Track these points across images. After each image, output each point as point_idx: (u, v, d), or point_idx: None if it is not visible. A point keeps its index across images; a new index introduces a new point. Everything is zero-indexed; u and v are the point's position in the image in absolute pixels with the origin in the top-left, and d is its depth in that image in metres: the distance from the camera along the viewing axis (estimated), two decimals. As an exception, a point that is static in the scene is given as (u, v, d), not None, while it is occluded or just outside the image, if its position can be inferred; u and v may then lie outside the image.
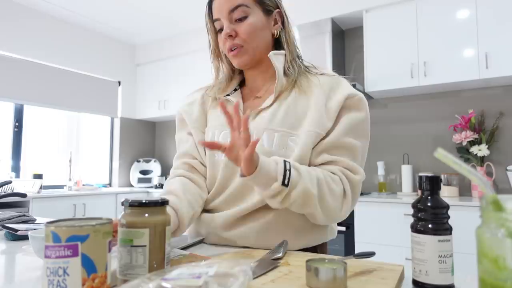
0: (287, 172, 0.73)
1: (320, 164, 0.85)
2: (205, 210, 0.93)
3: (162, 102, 4.20)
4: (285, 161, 0.75)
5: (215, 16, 0.91)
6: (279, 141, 0.84)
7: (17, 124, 3.49)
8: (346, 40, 3.32)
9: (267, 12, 0.92)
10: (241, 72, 1.02)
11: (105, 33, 4.17)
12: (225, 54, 0.96)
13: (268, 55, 0.90)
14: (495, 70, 2.40)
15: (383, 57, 2.82)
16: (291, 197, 0.74)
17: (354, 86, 2.77)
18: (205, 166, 0.95)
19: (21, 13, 3.43)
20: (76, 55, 3.88)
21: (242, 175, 0.72)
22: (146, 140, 4.63)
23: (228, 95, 0.97)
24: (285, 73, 0.92)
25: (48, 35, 3.64)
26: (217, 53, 0.98)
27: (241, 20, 0.88)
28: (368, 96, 3.05)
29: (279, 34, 0.93)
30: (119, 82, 4.36)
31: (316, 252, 0.90)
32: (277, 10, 0.94)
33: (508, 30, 2.38)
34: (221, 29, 0.91)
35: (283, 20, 0.94)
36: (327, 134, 0.85)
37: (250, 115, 0.90)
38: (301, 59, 0.98)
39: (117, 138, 4.33)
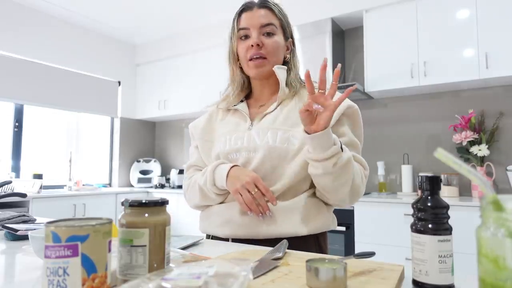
0: (340, 142, 0.88)
1: None
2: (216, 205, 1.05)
3: (162, 102, 4.20)
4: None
5: (244, 25, 1.04)
6: (282, 137, 0.97)
7: (17, 124, 3.49)
8: (346, 40, 3.32)
9: (285, 38, 1.08)
10: (248, 85, 1.15)
11: (105, 33, 4.17)
12: (239, 63, 1.09)
13: (272, 68, 1.03)
14: (495, 70, 2.40)
15: (383, 57, 2.82)
16: (343, 160, 0.86)
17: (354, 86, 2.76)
18: None
19: (21, 13, 3.43)
20: (76, 55, 3.88)
21: (310, 132, 0.84)
22: (146, 140, 4.63)
23: (235, 105, 1.11)
24: (287, 86, 1.06)
25: (48, 35, 3.64)
26: (235, 58, 1.09)
27: (269, 35, 1.03)
28: (368, 96, 3.05)
29: (288, 59, 1.09)
30: (119, 82, 4.37)
31: (319, 240, 0.99)
32: (290, 39, 1.10)
33: (508, 30, 2.38)
34: (246, 37, 1.04)
35: (291, 48, 1.10)
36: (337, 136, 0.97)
37: (256, 118, 1.06)
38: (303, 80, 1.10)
39: (117, 138, 4.33)
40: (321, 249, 0.99)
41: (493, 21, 2.43)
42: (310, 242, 0.96)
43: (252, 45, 1.01)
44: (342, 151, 0.86)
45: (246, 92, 1.15)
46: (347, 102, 1.01)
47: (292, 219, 0.94)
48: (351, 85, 2.75)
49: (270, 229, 0.94)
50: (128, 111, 4.43)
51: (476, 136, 2.57)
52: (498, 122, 2.62)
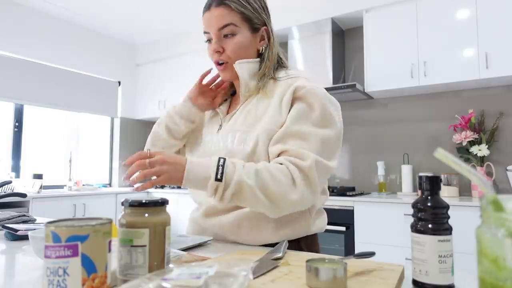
0: (220, 168, 0.77)
1: (276, 155, 0.86)
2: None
3: (162, 102, 4.20)
4: (219, 158, 0.78)
5: (205, 29, 0.97)
6: (239, 139, 0.90)
7: (17, 124, 3.49)
8: (346, 40, 3.32)
9: (254, 29, 0.97)
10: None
11: (105, 33, 4.17)
12: None
13: (233, 65, 0.95)
14: (495, 70, 2.40)
15: (383, 57, 2.82)
16: (229, 191, 0.77)
17: (354, 86, 2.77)
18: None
19: (21, 13, 3.42)
20: (76, 55, 3.88)
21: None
22: (146, 140, 4.62)
23: (220, 104, 1.06)
24: (255, 81, 0.97)
25: (48, 35, 3.64)
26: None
27: (229, 37, 0.94)
28: (368, 96, 3.05)
29: (263, 51, 0.99)
30: (119, 82, 4.36)
31: (300, 246, 0.92)
32: (264, 27, 0.99)
33: (508, 30, 2.38)
34: (209, 40, 0.98)
35: (269, 36, 0.99)
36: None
37: (224, 120, 1.01)
38: (281, 67, 1.02)
39: (117, 138, 4.33)
40: None
41: (493, 21, 2.43)
42: (290, 248, 0.83)
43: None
44: (221, 180, 0.76)
45: (232, 90, 1.10)
46: (296, 83, 0.90)
47: (261, 226, 0.87)
48: (352, 85, 2.77)
49: (236, 237, 0.91)
50: (128, 111, 4.42)
51: (476, 136, 2.57)
52: (498, 122, 2.62)
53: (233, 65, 0.95)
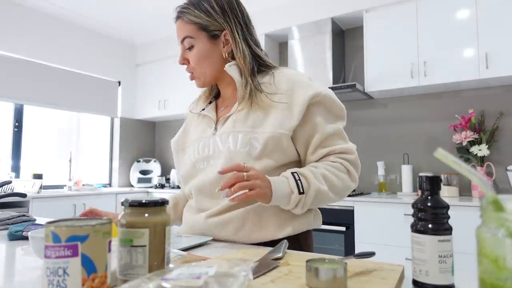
0: (299, 182, 0.84)
1: (319, 159, 0.94)
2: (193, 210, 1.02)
3: (162, 102, 4.20)
4: (293, 173, 0.86)
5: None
6: (242, 140, 0.91)
7: (17, 124, 3.49)
8: (346, 40, 3.32)
9: (213, 36, 0.97)
10: (216, 85, 1.11)
11: (105, 33, 4.17)
12: None
13: (224, 69, 0.97)
14: (495, 70, 2.40)
15: (383, 57, 2.82)
16: (308, 200, 0.86)
17: (354, 86, 2.77)
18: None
19: (21, 13, 3.42)
20: (76, 55, 3.88)
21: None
22: (146, 140, 4.63)
23: (204, 109, 1.07)
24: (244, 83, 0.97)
25: (48, 35, 3.64)
26: None
27: (190, 49, 0.99)
28: (368, 96, 3.05)
29: (230, 54, 0.98)
30: (119, 82, 4.36)
31: (299, 242, 0.95)
32: (224, 32, 0.97)
33: (508, 30, 2.38)
34: None
35: (233, 39, 0.96)
36: (311, 135, 0.93)
37: (220, 121, 1.00)
38: (263, 68, 1.01)
39: (117, 138, 4.33)
40: (302, 249, 0.94)
41: (493, 21, 2.43)
42: (289, 243, 0.86)
43: None
44: (304, 192, 0.84)
45: (214, 92, 1.12)
46: (312, 91, 0.92)
47: (263, 225, 0.90)
48: (352, 85, 2.77)
49: (239, 237, 0.91)
50: (128, 111, 4.42)
51: (476, 136, 2.57)
52: (498, 122, 2.62)
53: (225, 68, 0.96)
